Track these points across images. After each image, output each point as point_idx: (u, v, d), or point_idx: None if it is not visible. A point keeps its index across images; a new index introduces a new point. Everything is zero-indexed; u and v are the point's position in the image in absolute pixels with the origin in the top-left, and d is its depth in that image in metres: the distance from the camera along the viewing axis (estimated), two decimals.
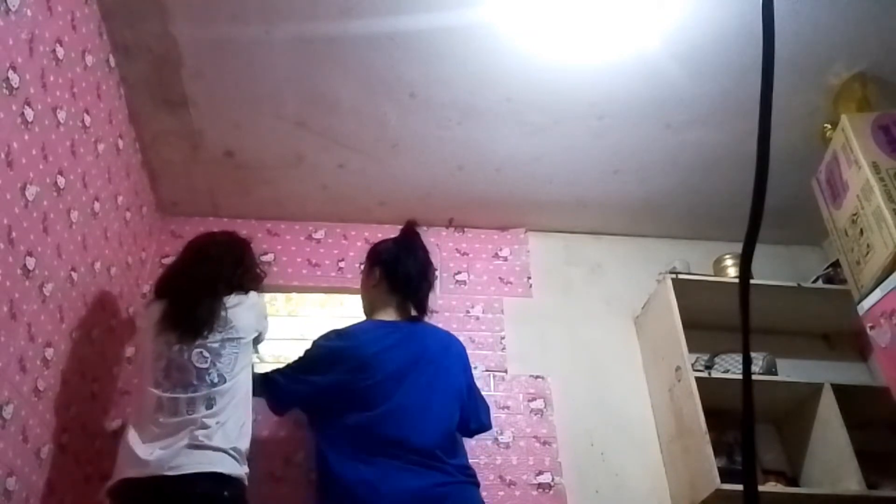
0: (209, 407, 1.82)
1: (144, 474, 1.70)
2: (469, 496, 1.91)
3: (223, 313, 1.95)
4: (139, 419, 1.84)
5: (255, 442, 2.38)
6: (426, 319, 2.24)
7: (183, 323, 1.92)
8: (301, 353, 2.09)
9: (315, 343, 2.09)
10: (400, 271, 2.18)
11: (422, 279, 2.21)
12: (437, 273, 2.32)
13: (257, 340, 2.09)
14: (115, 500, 1.76)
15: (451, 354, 2.16)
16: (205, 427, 1.78)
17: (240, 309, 2.00)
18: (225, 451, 1.78)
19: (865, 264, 2.09)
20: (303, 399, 2.04)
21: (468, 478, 1.95)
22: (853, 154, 2.13)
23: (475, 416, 2.14)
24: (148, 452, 1.73)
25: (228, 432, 1.81)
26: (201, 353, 1.89)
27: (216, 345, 1.91)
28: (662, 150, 2.67)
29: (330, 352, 2.03)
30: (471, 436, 2.20)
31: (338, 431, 1.92)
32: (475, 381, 2.25)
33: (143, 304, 2.42)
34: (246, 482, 1.84)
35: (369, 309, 2.22)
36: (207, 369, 1.87)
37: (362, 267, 2.35)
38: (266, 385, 2.05)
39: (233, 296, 2.02)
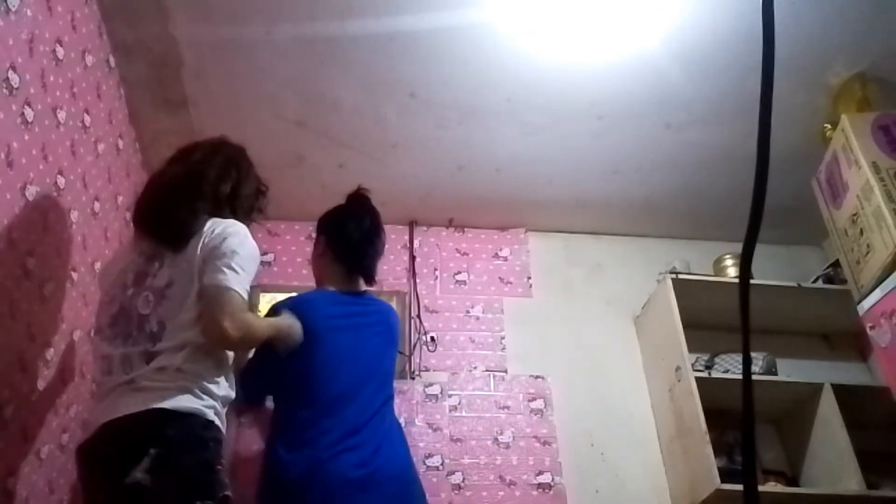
0: (148, 362, 1.52)
1: (86, 437, 1.54)
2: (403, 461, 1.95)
3: (191, 239, 1.60)
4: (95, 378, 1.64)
5: (256, 442, 2.39)
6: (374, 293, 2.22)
7: (151, 238, 1.64)
8: None
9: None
10: (345, 237, 2.11)
11: (366, 244, 2.13)
12: (385, 239, 2.21)
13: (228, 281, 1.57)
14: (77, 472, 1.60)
15: (393, 336, 2.14)
16: (145, 378, 1.51)
17: (207, 231, 1.62)
18: (170, 389, 1.48)
19: (865, 264, 2.09)
20: (268, 386, 1.98)
21: None
22: (853, 154, 2.13)
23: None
24: (93, 411, 1.56)
25: (180, 372, 1.52)
26: (147, 296, 1.59)
27: (162, 283, 1.59)
28: (662, 150, 2.67)
29: None
30: None
31: (283, 411, 1.90)
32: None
33: None
34: (210, 418, 1.52)
35: (318, 281, 2.16)
36: (148, 316, 1.57)
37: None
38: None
39: (213, 219, 1.65)
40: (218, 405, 1.56)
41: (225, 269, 1.56)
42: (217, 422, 1.55)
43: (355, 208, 2.19)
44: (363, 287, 2.14)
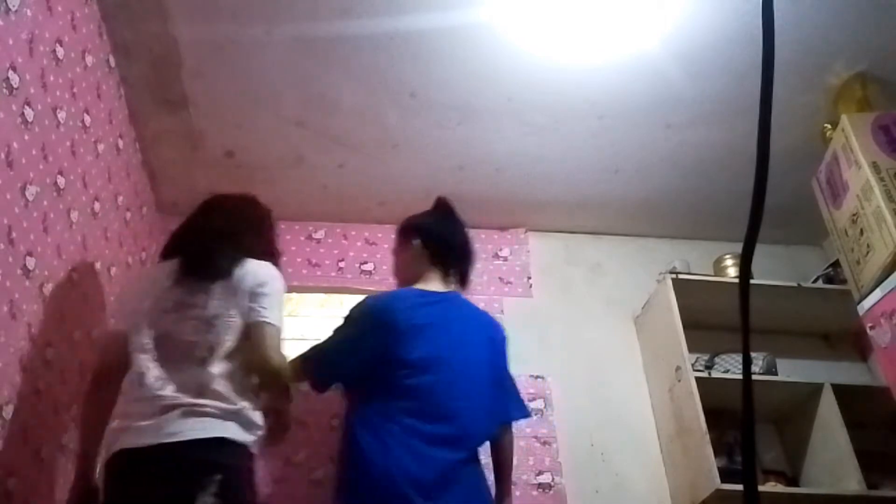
0: (198, 390, 1.63)
1: (121, 451, 1.58)
2: (478, 477, 1.90)
3: (234, 276, 1.77)
4: (127, 391, 1.70)
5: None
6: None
7: (196, 274, 1.79)
8: (338, 324, 2.05)
9: (350, 310, 2.04)
10: (443, 240, 2.14)
11: (465, 248, 2.18)
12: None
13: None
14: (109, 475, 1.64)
15: (493, 341, 2.11)
16: (198, 406, 1.61)
17: (250, 271, 1.81)
18: (224, 418, 1.62)
19: (865, 264, 2.09)
20: (341, 374, 1.99)
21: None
22: (853, 154, 2.13)
23: (505, 409, 2.10)
24: (126, 428, 1.61)
25: (231, 404, 1.64)
26: (194, 324, 1.72)
27: (210, 314, 1.73)
28: (662, 150, 2.67)
29: (364, 319, 1.98)
30: (503, 425, 2.14)
31: (370, 405, 1.88)
32: (506, 367, 2.17)
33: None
34: (254, 451, 1.68)
35: (408, 282, 2.13)
36: (196, 343, 1.70)
37: (394, 244, 2.27)
38: (304, 366, 2.00)
39: (249, 260, 1.84)
40: (258, 437, 1.70)
41: (271, 308, 1.76)
42: (256, 453, 1.70)
43: (448, 214, 2.22)
44: (455, 289, 2.14)
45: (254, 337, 1.73)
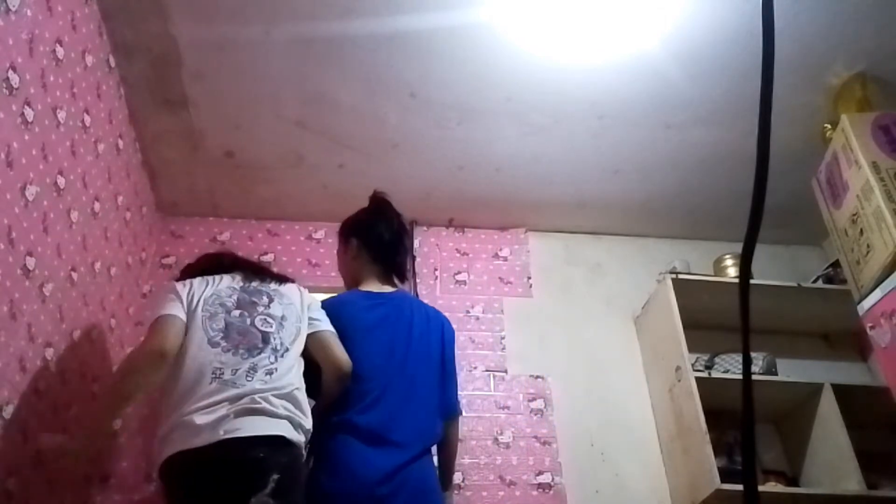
0: (269, 374, 1.70)
1: (195, 444, 1.56)
2: (425, 474, 1.88)
3: (288, 289, 1.95)
4: (187, 386, 1.67)
5: None
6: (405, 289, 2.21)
7: (267, 277, 1.96)
8: None
9: None
10: (379, 238, 2.15)
11: (398, 244, 2.19)
12: (412, 239, 2.29)
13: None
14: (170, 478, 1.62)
15: (442, 338, 2.10)
16: (266, 401, 1.64)
17: (302, 291, 1.99)
18: (286, 417, 1.66)
19: (865, 264, 2.09)
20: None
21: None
22: (853, 154, 2.13)
23: (451, 403, 2.07)
24: (189, 422, 1.60)
25: (292, 405, 1.69)
26: (265, 318, 1.81)
27: (278, 314, 1.84)
28: (662, 150, 2.67)
29: None
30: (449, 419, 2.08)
31: (322, 414, 1.87)
32: (454, 363, 2.14)
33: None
34: (304, 452, 1.72)
35: (352, 282, 2.16)
36: (272, 333, 1.79)
37: (337, 245, 2.28)
38: None
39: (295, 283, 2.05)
40: (307, 438, 1.73)
41: (326, 321, 1.93)
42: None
43: (382, 210, 2.22)
44: (397, 285, 2.17)
45: (319, 342, 1.88)
